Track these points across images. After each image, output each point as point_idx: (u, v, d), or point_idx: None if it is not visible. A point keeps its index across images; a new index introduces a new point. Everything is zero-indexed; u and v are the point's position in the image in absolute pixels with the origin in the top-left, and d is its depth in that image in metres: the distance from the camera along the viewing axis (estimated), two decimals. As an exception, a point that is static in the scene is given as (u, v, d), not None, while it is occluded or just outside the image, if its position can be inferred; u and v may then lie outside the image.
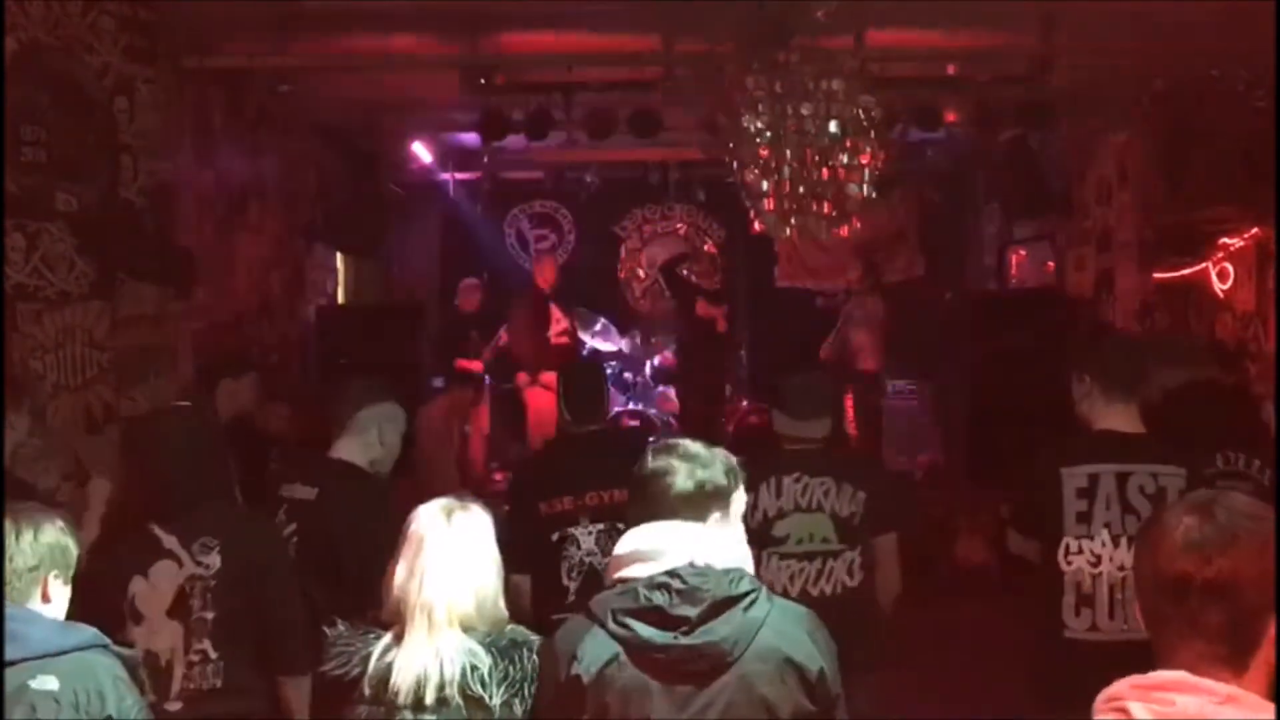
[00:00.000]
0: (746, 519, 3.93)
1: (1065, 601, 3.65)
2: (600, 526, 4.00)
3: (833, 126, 6.24)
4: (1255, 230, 6.90)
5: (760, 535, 3.95)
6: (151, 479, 3.33)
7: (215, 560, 3.19)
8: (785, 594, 3.92)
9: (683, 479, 2.43)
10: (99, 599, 3.08)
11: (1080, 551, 3.65)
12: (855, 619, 3.86)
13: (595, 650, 2.33)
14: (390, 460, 4.06)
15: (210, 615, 3.18)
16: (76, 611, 2.95)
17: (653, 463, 2.47)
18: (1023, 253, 10.60)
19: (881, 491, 4.11)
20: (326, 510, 3.77)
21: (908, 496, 4.37)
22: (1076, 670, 3.49)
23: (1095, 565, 3.62)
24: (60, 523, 2.71)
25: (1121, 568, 3.57)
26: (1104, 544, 3.61)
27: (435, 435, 8.32)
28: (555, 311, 10.13)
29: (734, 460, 2.53)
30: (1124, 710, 1.68)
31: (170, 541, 3.20)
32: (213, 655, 3.19)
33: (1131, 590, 3.35)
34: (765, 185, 6.43)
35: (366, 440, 3.97)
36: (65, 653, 2.53)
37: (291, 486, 3.89)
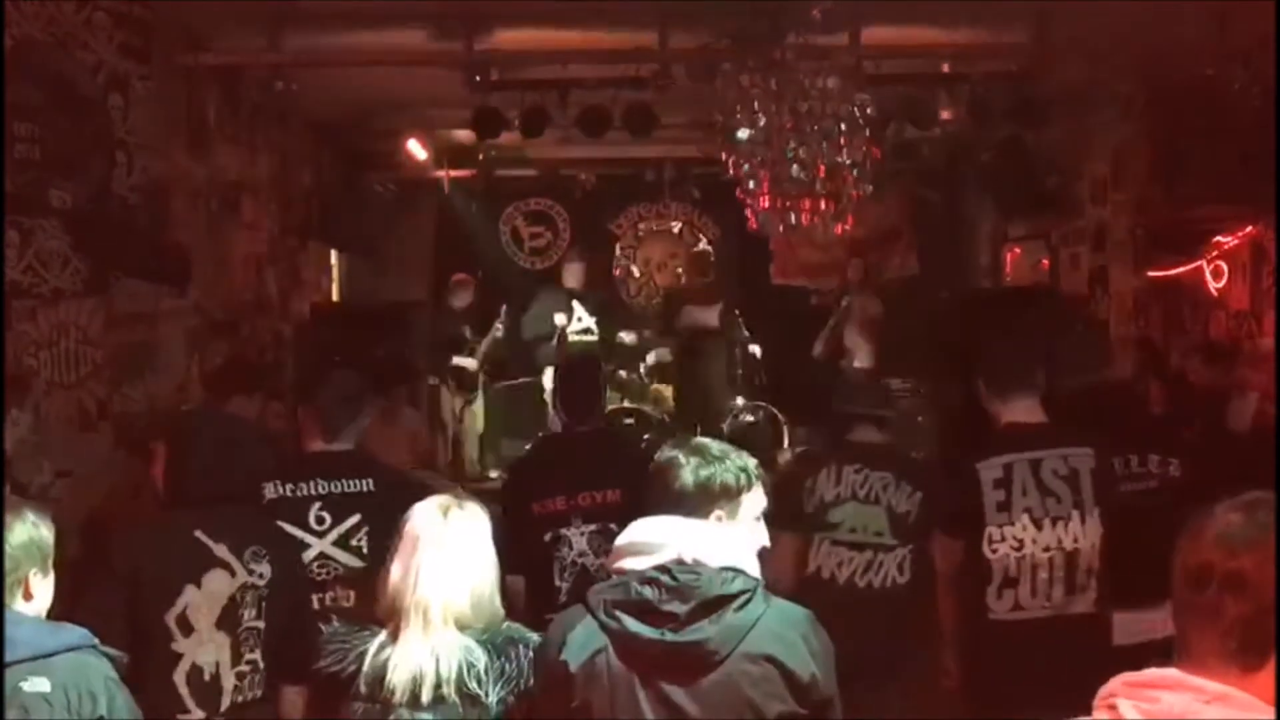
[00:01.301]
0: (803, 503, 4.06)
1: (989, 588, 3.83)
2: (593, 527, 3.99)
3: (828, 124, 6.24)
4: (1249, 228, 6.91)
5: (814, 520, 4.12)
6: (198, 482, 3.23)
7: (268, 569, 3.17)
8: (833, 580, 4.07)
9: (686, 475, 2.43)
10: (145, 610, 3.03)
11: (1004, 539, 3.83)
12: (901, 615, 4.06)
13: (584, 639, 2.34)
14: None
15: (262, 625, 3.17)
16: (119, 623, 2.91)
17: (662, 457, 2.49)
18: (1017, 251, 10.61)
19: (938, 494, 4.17)
20: (394, 500, 3.71)
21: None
22: (1000, 649, 3.78)
23: (1019, 549, 3.79)
24: (30, 515, 2.62)
25: (1046, 549, 3.76)
26: (1025, 527, 3.80)
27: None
28: (580, 309, 10.13)
29: (750, 462, 2.51)
30: (1113, 708, 1.69)
31: (221, 550, 3.14)
32: (261, 665, 3.17)
33: (1056, 570, 3.75)
34: (760, 183, 6.43)
35: (357, 438, 3.96)
36: (55, 654, 2.49)
37: (310, 483, 3.79)
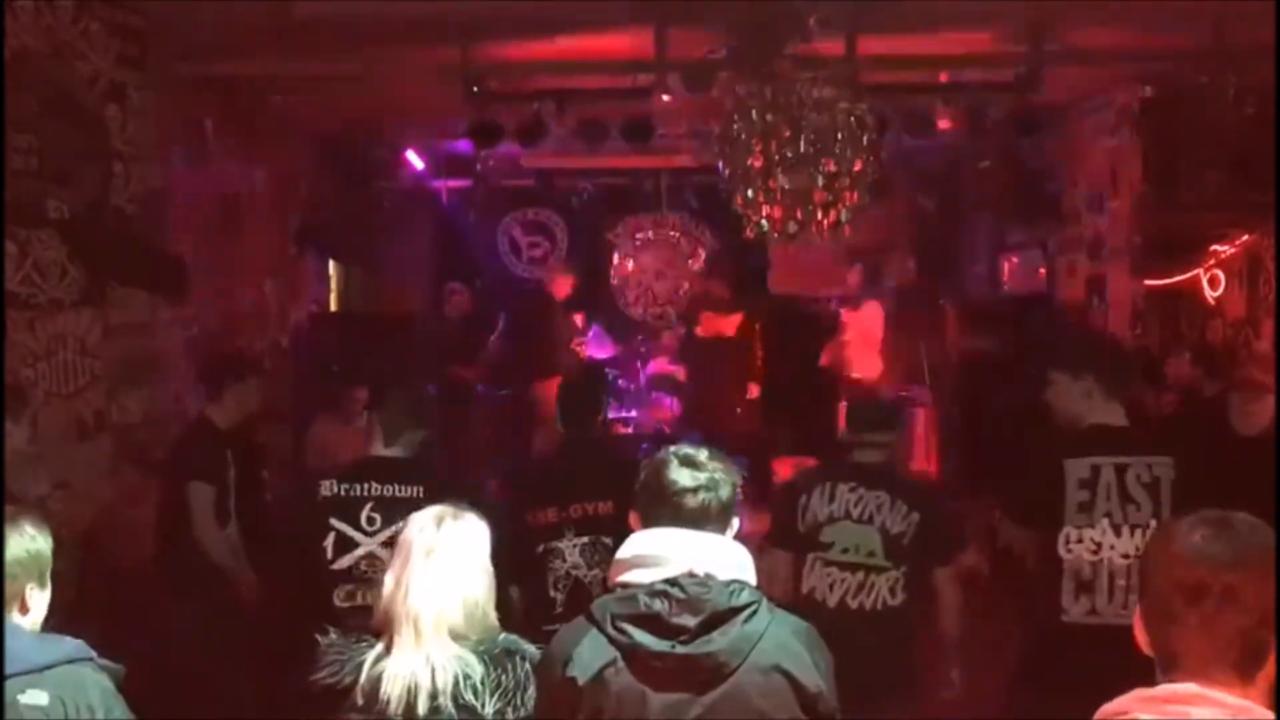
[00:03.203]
0: (796, 522, 4.06)
1: (1064, 588, 3.80)
2: (585, 539, 3.98)
3: (825, 133, 6.24)
4: (1246, 237, 6.92)
5: (807, 539, 4.09)
6: None
7: None
8: (825, 601, 4.03)
9: (693, 489, 2.42)
10: None
11: (1081, 540, 3.80)
12: (893, 638, 4.03)
13: (592, 653, 2.33)
14: None
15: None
16: None
17: (663, 468, 2.47)
18: (1014, 259, 10.61)
19: (935, 516, 4.16)
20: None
21: (958, 524, 4.47)
22: (1072, 653, 3.70)
23: (1096, 553, 3.77)
24: (29, 528, 2.57)
25: (1125, 556, 3.72)
26: (1104, 532, 3.77)
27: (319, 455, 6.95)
28: (578, 321, 10.20)
29: (738, 476, 2.51)
30: None
31: None
32: None
33: (1131, 578, 3.60)
34: (757, 192, 6.42)
35: (414, 446, 4.09)
36: (52, 666, 2.48)
37: (364, 484, 3.93)
